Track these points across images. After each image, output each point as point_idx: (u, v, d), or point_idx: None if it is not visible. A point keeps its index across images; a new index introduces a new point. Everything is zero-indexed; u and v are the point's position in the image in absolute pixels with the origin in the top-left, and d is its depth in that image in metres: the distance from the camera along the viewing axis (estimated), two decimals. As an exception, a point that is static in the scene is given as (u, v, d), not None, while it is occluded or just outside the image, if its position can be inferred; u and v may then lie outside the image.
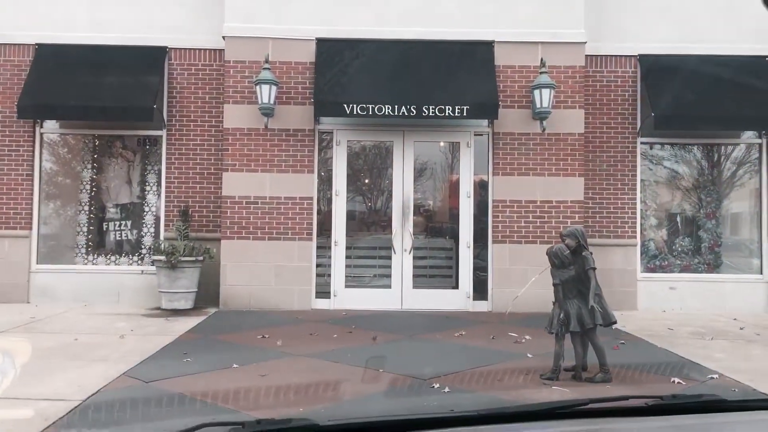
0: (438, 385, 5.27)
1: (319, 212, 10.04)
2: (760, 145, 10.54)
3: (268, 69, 9.42)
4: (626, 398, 1.52)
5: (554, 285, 5.57)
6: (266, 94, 9.35)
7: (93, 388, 5.17)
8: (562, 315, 5.55)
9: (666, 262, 10.62)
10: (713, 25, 10.15)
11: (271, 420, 1.28)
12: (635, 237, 10.38)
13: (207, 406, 4.65)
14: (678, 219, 10.81)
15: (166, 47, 10.23)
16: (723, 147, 10.75)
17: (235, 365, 6.01)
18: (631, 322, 8.79)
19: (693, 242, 10.67)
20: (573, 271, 5.55)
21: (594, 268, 5.54)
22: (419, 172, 10.28)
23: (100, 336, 7.52)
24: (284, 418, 1.30)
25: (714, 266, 10.60)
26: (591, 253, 5.65)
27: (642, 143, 10.46)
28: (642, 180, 10.51)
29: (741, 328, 8.53)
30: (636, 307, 10.18)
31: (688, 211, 10.77)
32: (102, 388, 5.21)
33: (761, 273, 10.41)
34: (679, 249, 10.66)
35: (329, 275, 9.89)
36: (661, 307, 10.19)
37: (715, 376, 5.77)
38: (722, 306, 10.13)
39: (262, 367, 6.01)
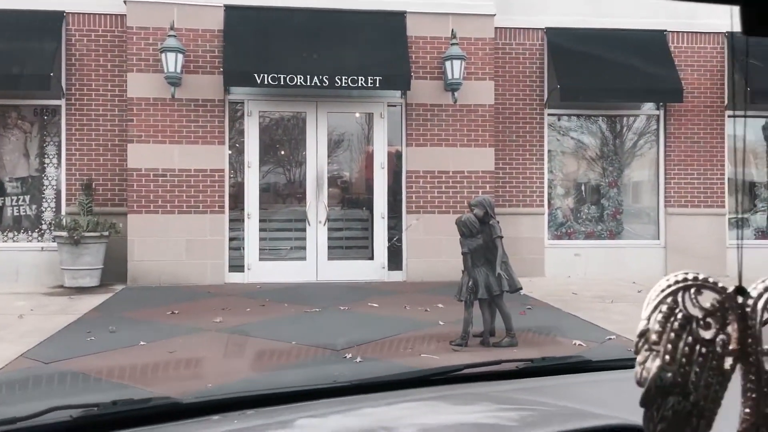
0: (350, 356, 5.30)
1: (232, 185, 9.84)
2: (658, 116, 11.02)
3: (174, 36, 9.08)
4: (499, 362, 1.56)
5: (463, 254, 5.67)
6: (172, 62, 9.02)
7: (-13, 370, 4.92)
8: (471, 283, 5.67)
9: (571, 230, 11.02)
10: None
11: (129, 400, 1.22)
12: (543, 206, 10.71)
13: (102, 384, 4.52)
14: (583, 188, 11.22)
15: (63, 11, 9.68)
16: (625, 118, 11.19)
17: (142, 342, 5.85)
18: (538, 288, 9.10)
19: (597, 210, 11.10)
20: (481, 240, 5.67)
21: (501, 237, 5.68)
22: (335, 144, 10.22)
23: (-3, 317, 7.15)
24: (143, 398, 1.25)
25: (616, 233, 11.08)
26: (498, 222, 5.78)
27: (549, 114, 10.75)
28: (549, 150, 10.82)
29: (639, 291, 8.98)
30: (544, 274, 10.54)
31: (592, 181, 11.18)
32: (-2, 370, 4.96)
33: (659, 239, 10.95)
34: (584, 217, 11.08)
35: (243, 248, 9.74)
36: (567, 273, 10.59)
37: (612, 336, 6.08)
38: (624, 271, 10.62)
39: (170, 344, 5.87)
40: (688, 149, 10.87)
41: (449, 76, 9.47)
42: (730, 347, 0.77)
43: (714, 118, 10.87)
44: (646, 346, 0.74)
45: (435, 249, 9.55)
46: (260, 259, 9.77)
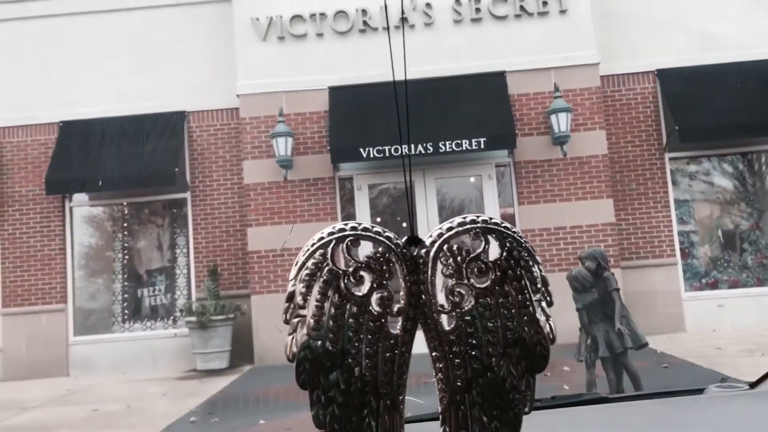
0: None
1: (346, 259, 9.94)
2: (795, 148, 10.12)
3: (283, 122, 9.51)
4: None
5: (577, 310, 5.33)
6: (282, 146, 9.41)
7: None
8: (589, 341, 5.29)
9: (712, 280, 10.17)
10: (727, 32, 9.88)
11: None
12: (675, 256, 9.99)
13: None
14: (720, 234, 10.38)
15: (184, 111, 10.44)
16: (759, 155, 10.35)
17: (261, 421, 5.87)
18: (677, 344, 8.38)
19: (739, 257, 10.21)
20: (596, 294, 5.31)
21: (617, 289, 5.30)
22: (445, 209, 10.14)
23: (132, 402, 7.48)
24: None
25: (764, 279, 10.10)
26: (613, 274, 5.41)
27: (670, 159, 10.15)
28: (676, 196, 10.16)
29: (796, 342, 8.06)
30: (684, 329, 9.71)
31: (731, 225, 10.34)
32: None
33: (815, 281, 9.86)
34: (725, 265, 10.21)
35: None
36: (711, 327, 9.70)
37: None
38: (776, 320, 9.60)
39: (289, 420, 5.85)
40: (835, 181, 9.86)
41: (556, 130, 9.22)
42: (396, 306, 0.64)
43: None
44: (293, 312, 0.61)
45: (560, 309, 9.06)
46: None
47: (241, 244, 10.22)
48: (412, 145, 9.06)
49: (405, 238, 0.65)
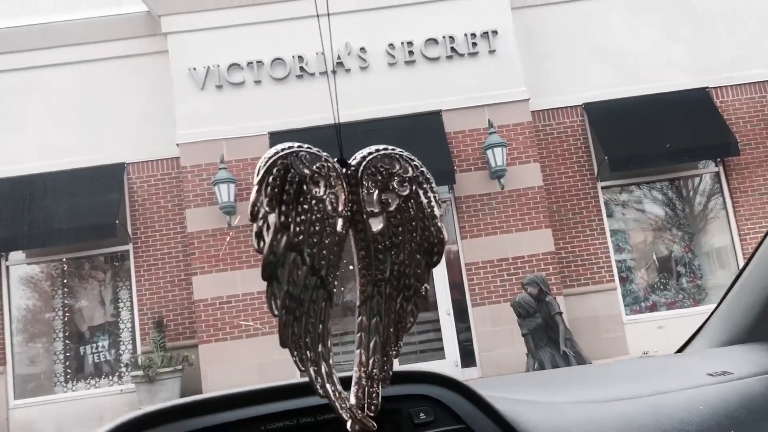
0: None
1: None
2: (718, 173, 10.67)
3: (225, 168, 9.54)
4: None
5: (523, 335, 5.49)
6: (225, 193, 9.42)
7: None
8: (536, 365, 5.43)
9: (650, 302, 10.53)
10: (646, 65, 10.47)
11: None
12: (614, 281, 10.33)
13: None
14: (655, 257, 10.79)
15: (124, 163, 10.35)
16: (685, 180, 10.87)
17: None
18: (622, 366, 8.60)
19: (674, 279, 10.61)
20: (540, 319, 5.48)
21: (560, 313, 5.49)
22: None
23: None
24: None
25: (699, 299, 10.52)
26: (555, 298, 5.59)
27: (603, 188, 10.57)
28: (611, 223, 10.55)
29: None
30: (627, 352, 9.99)
31: (664, 249, 10.77)
32: None
33: (745, 298, 10.30)
34: (661, 287, 10.60)
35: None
36: (653, 348, 10.01)
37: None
38: (713, 337, 9.95)
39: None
40: (757, 201, 10.42)
41: (493, 164, 9.52)
42: (340, 208, 0.79)
43: (778, 165, 10.46)
44: (261, 212, 0.75)
45: (506, 339, 9.25)
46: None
47: (186, 294, 10.09)
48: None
49: (335, 158, 0.80)
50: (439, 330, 9.90)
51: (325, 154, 0.81)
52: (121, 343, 10.34)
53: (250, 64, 10.02)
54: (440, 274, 9.82)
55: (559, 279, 9.59)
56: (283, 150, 0.78)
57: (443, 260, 8.78)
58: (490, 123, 9.69)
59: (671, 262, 10.73)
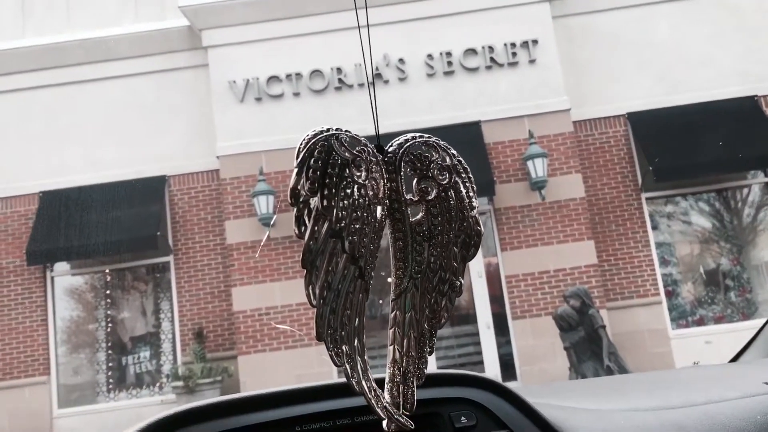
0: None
1: (332, 315, 9.89)
2: (767, 183, 10.34)
3: (264, 180, 9.59)
4: None
5: (565, 349, 5.35)
6: (264, 204, 9.47)
7: None
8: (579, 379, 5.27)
9: (698, 317, 10.22)
10: (691, 74, 10.22)
11: None
12: (659, 294, 10.05)
13: None
14: (702, 270, 10.48)
15: (165, 176, 10.49)
16: (734, 191, 10.56)
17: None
18: (668, 383, 8.35)
19: (723, 292, 10.29)
20: (582, 332, 5.33)
21: (603, 326, 5.33)
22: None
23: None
24: None
25: (748, 313, 10.17)
26: (598, 311, 5.44)
27: (647, 199, 10.32)
28: (655, 235, 10.29)
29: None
30: (674, 367, 9.70)
31: (712, 261, 10.46)
32: None
33: (798, 312, 9.95)
34: (709, 301, 10.28)
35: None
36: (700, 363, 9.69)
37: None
38: (765, 353, 9.61)
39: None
40: (810, 212, 10.06)
41: (533, 175, 9.38)
42: (380, 195, 0.75)
43: (831, 175, 10.09)
44: (301, 195, 0.70)
45: (547, 353, 9.06)
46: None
47: (226, 305, 10.14)
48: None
49: (373, 145, 0.76)
50: (478, 344, 9.76)
51: (363, 138, 0.76)
52: (162, 353, 10.44)
53: (288, 76, 10.08)
54: (480, 286, 9.70)
55: (602, 292, 9.37)
56: (322, 132, 0.73)
57: (482, 272, 8.70)
58: (530, 133, 9.56)
59: (719, 275, 10.41)
